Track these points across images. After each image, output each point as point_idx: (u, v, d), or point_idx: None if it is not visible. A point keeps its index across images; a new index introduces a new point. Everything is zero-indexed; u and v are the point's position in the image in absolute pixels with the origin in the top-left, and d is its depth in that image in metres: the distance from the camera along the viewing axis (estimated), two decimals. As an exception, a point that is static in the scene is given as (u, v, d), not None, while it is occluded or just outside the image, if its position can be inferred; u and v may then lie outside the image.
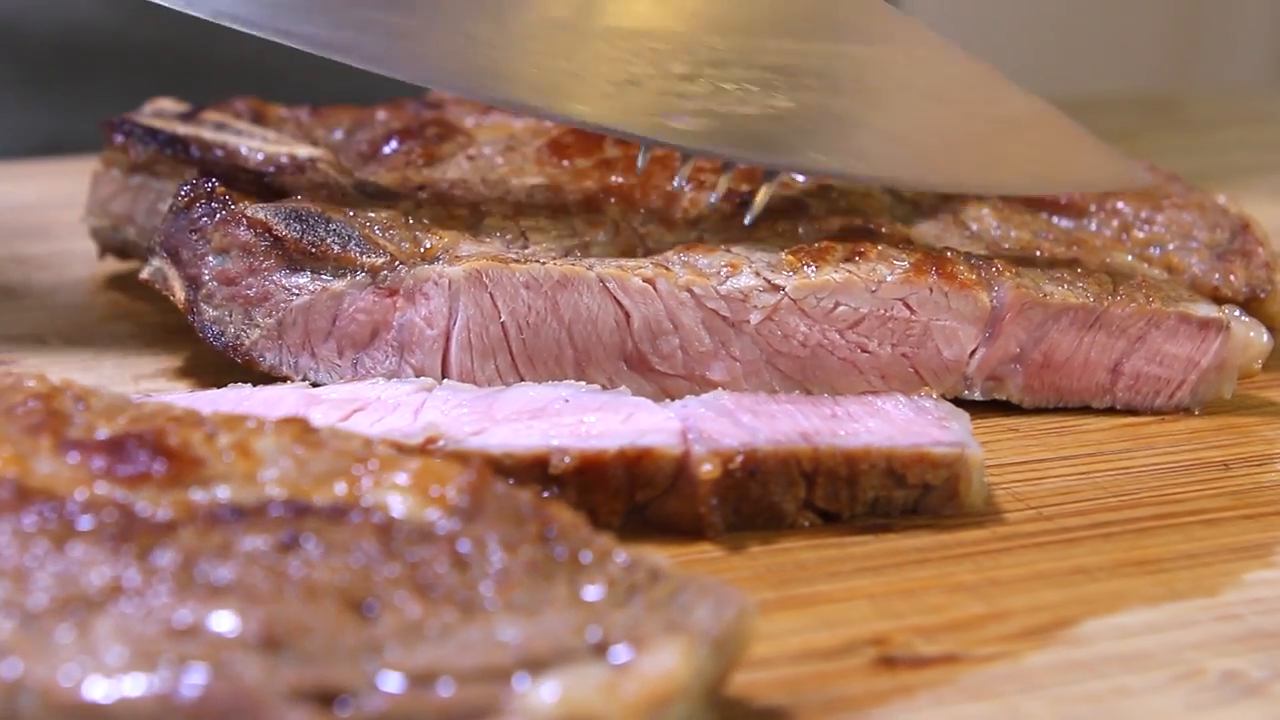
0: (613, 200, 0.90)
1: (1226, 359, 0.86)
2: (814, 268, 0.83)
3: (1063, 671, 0.63)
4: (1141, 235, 0.94)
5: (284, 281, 0.82)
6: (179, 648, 0.53)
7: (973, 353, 0.84)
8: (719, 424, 0.73)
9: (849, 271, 0.83)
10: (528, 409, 0.74)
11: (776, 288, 0.82)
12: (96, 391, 0.68)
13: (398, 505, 0.60)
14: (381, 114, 1.03)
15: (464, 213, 0.88)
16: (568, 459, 0.70)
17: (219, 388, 0.83)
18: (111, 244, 1.00)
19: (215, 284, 0.83)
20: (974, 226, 0.92)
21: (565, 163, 0.94)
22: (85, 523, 0.58)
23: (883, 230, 0.88)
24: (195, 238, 0.84)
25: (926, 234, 0.91)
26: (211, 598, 0.55)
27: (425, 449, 0.69)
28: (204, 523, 0.58)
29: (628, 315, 0.82)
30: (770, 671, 0.62)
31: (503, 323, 0.82)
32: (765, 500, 0.72)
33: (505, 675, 0.53)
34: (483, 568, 0.58)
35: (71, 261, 1.05)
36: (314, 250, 0.82)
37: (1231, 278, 0.90)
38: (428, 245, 0.84)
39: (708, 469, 0.70)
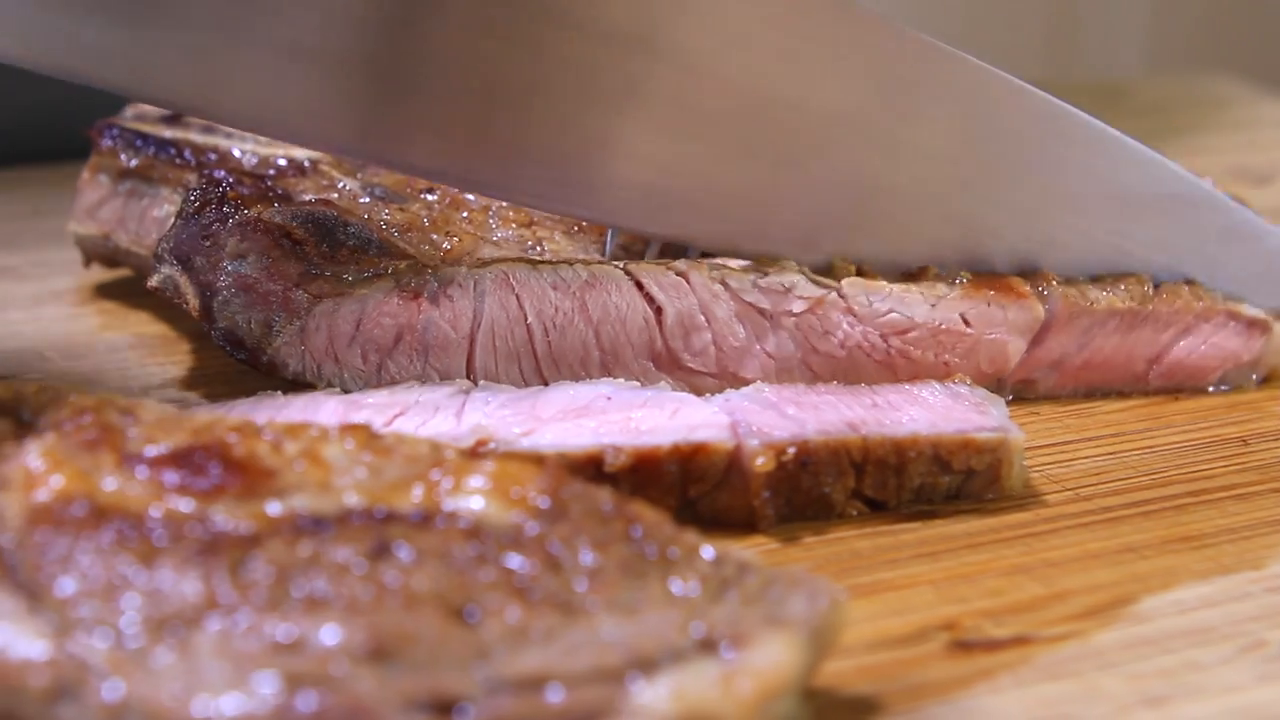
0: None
1: (1264, 356, 0.89)
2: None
3: (1131, 648, 0.64)
4: None
5: (306, 286, 0.81)
6: (286, 663, 0.52)
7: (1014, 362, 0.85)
8: (765, 416, 0.73)
9: (907, 284, 0.83)
10: (572, 407, 0.74)
11: (826, 285, 0.82)
12: (142, 404, 0.66)
13: (480, 508, 0.60)
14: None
15: (479, 216, 0.87)
16: (622, 456, 0.70)
17: (235, 396, 0.82)
18: (99, 252, 0.97)
19: (232, 291, 0.82)
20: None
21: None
22: (168, 539, 0.56)
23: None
24: (208, 244, 0.83)
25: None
26: (311, 610, 0.54)
27: (477, 452, 0.68)
28: (288, 534, 0.57)
29: (659, 310, 0.81)
30: (850, 661, 0.62)
31: (529, 324, 0.81)
32: (816, 491, 0.72)
33: (617, 676, 0.53)
34: (576, 569, 0.58)
35: (52, 271, 1.02)
36: (336, 254, 0.81)
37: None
38: (446, 248, 0.83)
39: (761, 462, 0.71)
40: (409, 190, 0.90)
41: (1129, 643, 0.64)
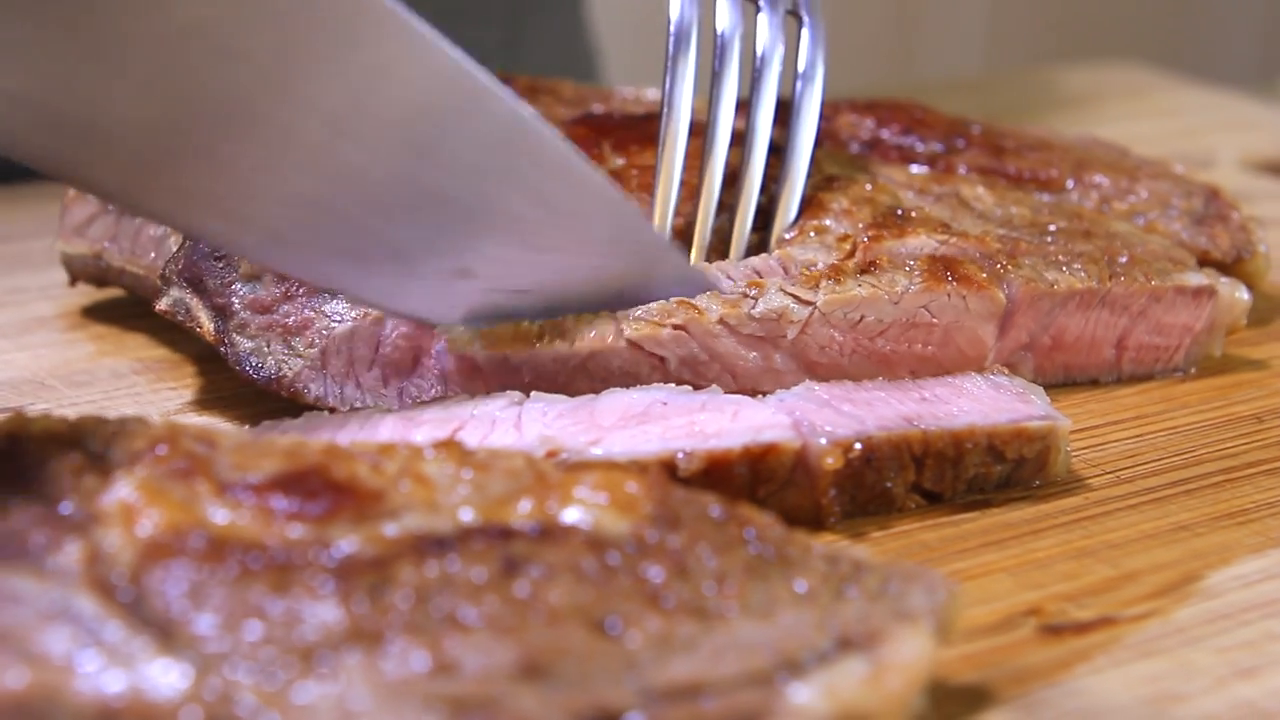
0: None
1: (1216, 320, 0.92)
2: (834, 281, 0.83)
3: (1210, 623, 0.66)
4: (1123, 206, 0.99)
5: (323, 308, 0.80)
6: (443, 687, 0.51)
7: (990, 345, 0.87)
8: (823, 414, 0.74)
9: (871, 285, 0.83)
10: (631, 414, 0.74)
11: (807, 303, 0.83)
12: (215, 431, 0.65)
13: (595, 519, 0.60)
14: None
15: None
16: (694, 461, 0.70)
17: (257, 418, 0.81)
18: (89, 271, 0.94)
19: (248, 313, 0.80)
20: (978, 206, 0.95)
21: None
22: (296, 567, 0.55)
23: (913, 214, 0.90)
24: (220, 265, 0.81)
25: (932, 216, 0.93)
26: (457, 631, 0.53)
27: (568, 463, 0.68)
28: (413, 556, 0.57)
29: (663, 361, 0.81)
30: (951, 650, 0.63)
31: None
32: (879, 486, 0.74)
33: (768, 679, 0.54)
34: (702, 574, 0.58)
35: (31, 297, 0.99)
36: None
37: (1217, 242, 0.96)
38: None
39: (830, 461, 0.71)
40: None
41: (1206, 618, 0.66)
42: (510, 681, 0.52)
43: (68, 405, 0.84)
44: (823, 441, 0.72)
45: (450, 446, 0.63)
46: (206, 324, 0.80)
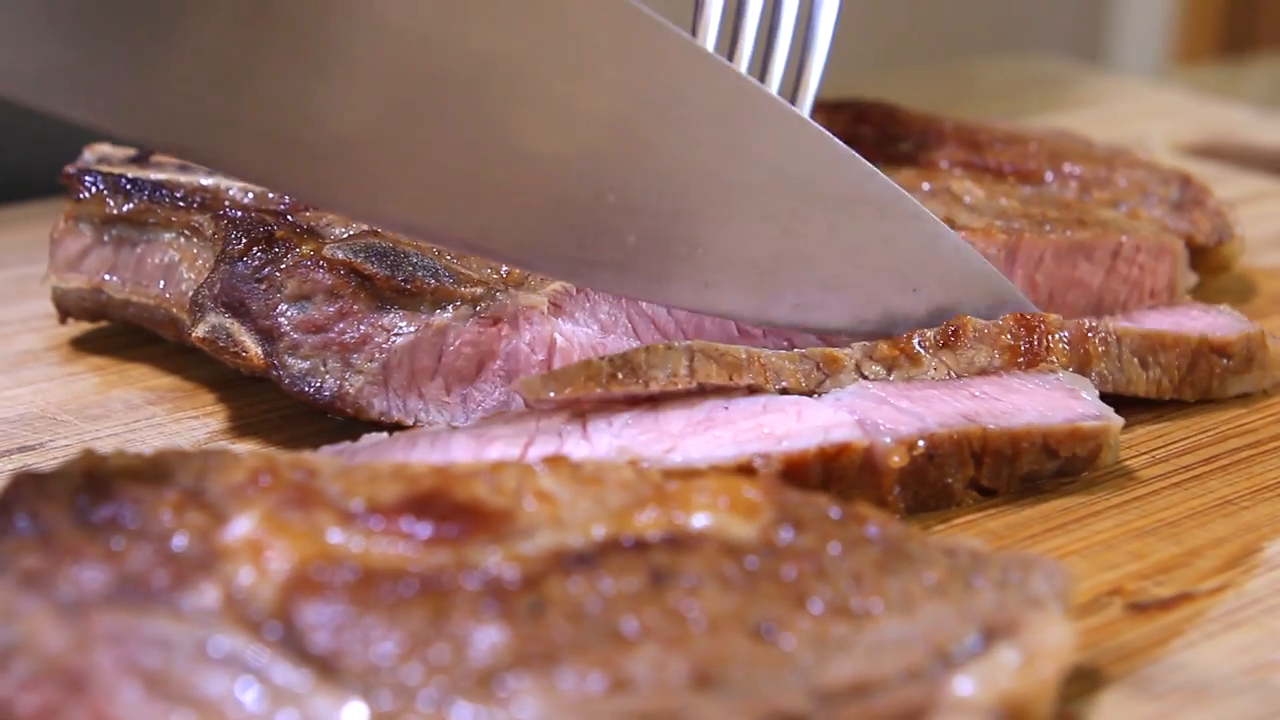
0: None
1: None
2: (910, 361, 0.81)
3: (1281, 592, 0.69)
4: (1104, 195, 1.02)
5: (381, 322, 0.79)
6: (625, 704, 0.52)
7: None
8: (884, 412, 0.76)
9: (948, 366, 0.82)
10: (696, 420, 0.74)
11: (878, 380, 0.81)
12: (303, 458, 0.64)
13: (721, 525, 0.60)
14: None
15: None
16: (773, 464, 0.71)
17: (291, 442, 0.80)
18: (83, 306, 0.91)
19: (300, 334, 0.79)
20: (969, 200, 0.98)
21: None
22: (448, 592, 0.55)
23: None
24: (264, 287, 0.79)
25: (938, 213, 0.95)
26: (622, 647, 0.54)
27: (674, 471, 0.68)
28: (559, 574, 0.56)
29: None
30: (1053, 634, 0.65)
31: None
32: (940, 482, 0.75)
33: (926, 674, 0.55)
34: (839, 574, 0.59)
35: (14, 331, 0.95)
36: (409, 286, 0.79)
37: (1199, 226, 1.00)
38: (505, 271, 0.82)
39: (897, 459, 0.73)
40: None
41: (1278, 587, 0.69)
42: (687, 693, 0.52)
43: (89, 439, 0.82)
44: (888, 440, 0.73)
45: (559, 462, 0.63)
46: (253, 348, 0.79)
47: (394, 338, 0.79)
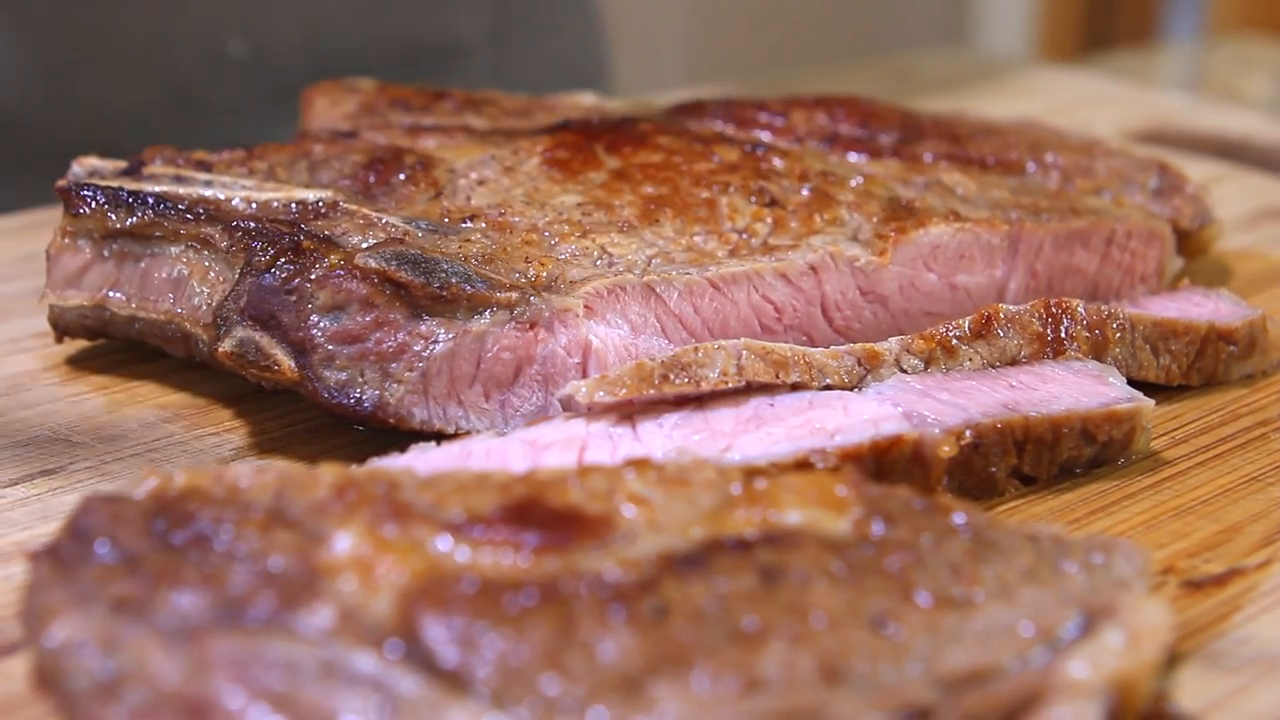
0: (667, 210, 0.91)
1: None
2: (946, 352, 0.83)
3: (1325, 562, 0.72)
4: (1087, 184, 1.05)
5: (419, 330, 0.78)
6: (763, 704, 0.52)
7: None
8: (927, 404, 0.77)
9: (982, 356, 0.84)
10: (746, 418, 0.75)
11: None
12: (379, 469, 0.63)
13: (812, 520, 0.61)
14: (319, 148, 0.98)
15: (533, 236, 0.87)
16: (831, 459, 0.72)
17: (320, 454, 0.79)
18: (84, 324, 0.89)
19: (334, 345, 0.78)
20: (961, 192, 1.00)
21: (582, 176, 0.94)
22: (567, 599, 0.55)
23: (916, 204, 0.94)
24: (294, 298, 0.78)
25: (931, 204, 0.97)
26: (749, 646, 0.54)
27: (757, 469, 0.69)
28: (670, 577, 0.57)
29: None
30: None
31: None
32: (984, 472, 0.77)
33: (1038, 659, 0.56)
34: (937, 564, 0.60)
35: (5, 352, 0.93)
36: (444, 294, 0.78)
37: (1182, 212, 1.03)
38: (532, 275, 0.82)
39: (946, 449, 0.74)
40: (446, 220, 0.88)
41: (1319, 559, 0.72)
42: (819, 689, 0.53)
43: (110, 461, 0.80)
44: (936, 431, 0.75)
45: (645, 465, 0.63)
46: (285, 361, 0.78)
47: (433, 345, 0.78)
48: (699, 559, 0.57)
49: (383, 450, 0.75)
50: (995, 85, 1.58)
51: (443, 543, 0.57)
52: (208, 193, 0.89)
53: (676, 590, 0.56)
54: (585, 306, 0.81)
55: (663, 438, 0.74)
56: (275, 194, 0.89)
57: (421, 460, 0.72)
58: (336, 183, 0.94)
